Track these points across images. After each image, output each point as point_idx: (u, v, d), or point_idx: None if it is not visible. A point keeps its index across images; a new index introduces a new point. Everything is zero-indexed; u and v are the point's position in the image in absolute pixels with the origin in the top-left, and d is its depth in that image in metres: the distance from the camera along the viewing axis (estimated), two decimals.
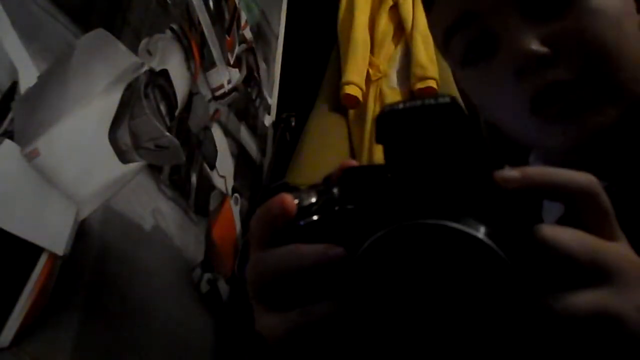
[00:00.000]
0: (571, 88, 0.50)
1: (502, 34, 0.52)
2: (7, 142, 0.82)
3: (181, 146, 1.21)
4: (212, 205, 1.36)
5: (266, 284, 0.33)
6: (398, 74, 1.69)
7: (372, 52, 1.71)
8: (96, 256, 0.97)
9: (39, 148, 0.87)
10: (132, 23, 1.13)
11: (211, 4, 1.44)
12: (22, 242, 0.81)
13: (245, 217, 1.48)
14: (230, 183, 1.46)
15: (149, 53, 1.16)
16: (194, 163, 1.30)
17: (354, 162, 0.34)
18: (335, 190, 0.33)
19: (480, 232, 0.28)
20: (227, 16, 1.54)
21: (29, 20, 0.88)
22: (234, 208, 1.45)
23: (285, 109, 1.79)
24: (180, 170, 1.24)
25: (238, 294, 1.36)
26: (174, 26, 1.27)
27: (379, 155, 1.60)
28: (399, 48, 1.72)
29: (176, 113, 1.23)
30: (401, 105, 0.31)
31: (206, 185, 1.35)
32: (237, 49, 1.58)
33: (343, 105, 1.66)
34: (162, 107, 1.17)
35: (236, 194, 1.47)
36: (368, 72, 1.68)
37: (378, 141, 0.31)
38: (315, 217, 0.32)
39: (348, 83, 1.63)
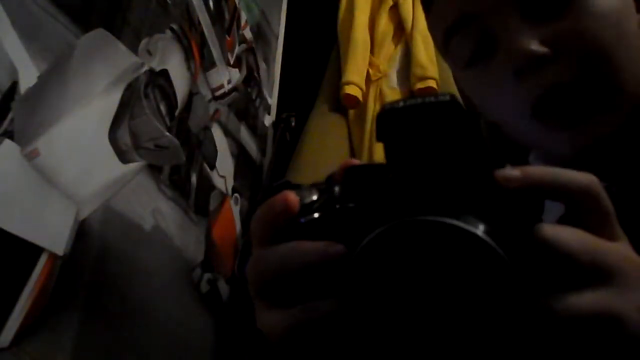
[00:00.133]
0: (572, 92, 0.50)
1: (502, 35, 0.52)
2: (7, 142, 0.82)
3: (181, 146, 1.21)
4: (212, 205, 1.36)
5: (268, 281, 0.33)
6: (398, 74, 1.69)
7: (372, 52, 1.71)
8: (96, 256, 0.97)
9: (39, 148, 0.87)
10: (132, 23, 1.13)
11: (211, 4, 1.44)
12: (22, 242, 0.81)
13: (245, 217, 1.48)
14: (230, 183, 1.46)
15: (149, 53, 1.16)
16: (194, 163, 1.30)
17: (356, 161, 0.34)
18: (336, 189, 0.33)
19: (480, 230, 0.28)
20: (227, 16, 1.54)
21: (29, 20, 0.88)
22: (234, 208, 1.45)
23: (285, 109, 1.79)
24: (180, 170, 1.24)
25: (238, 294, 1.36)
26: (174, 26, 1.27)
27: (379, 155, 1.60)
28: (399, 48, 1.72)
29: (176, 113, 1.22)
30: (401, 104, 0.31)
31: (206, 185, 1.35)
32: (237, 49, 1.58)
33: (343, 105, 1.66)
34: (162, 107, 1.17)
35: (236, 194, 1.47)
36: (368, 72, 1.68)
37: (379, 139, 0.31)
38: (316, 215, 0.32)
39: (348, 83, 1.63)
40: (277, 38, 1.94)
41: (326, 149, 1.58)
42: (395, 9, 1.75)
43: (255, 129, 1.67)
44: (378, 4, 1.78)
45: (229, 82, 1.50)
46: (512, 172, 0.31)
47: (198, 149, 1.32)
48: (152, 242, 1.12)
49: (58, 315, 0.87)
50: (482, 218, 0.29)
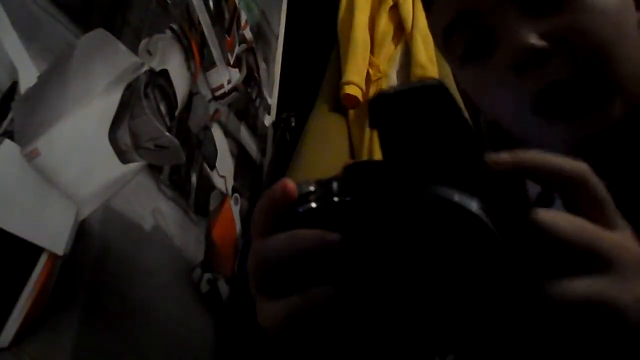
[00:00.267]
0: (572, 87, 0.50)
1: (501, 30, 0.52)
2: (7, 142, 0.82)
3: (181, 146, 1.21)
4: (212, 205, 1.36)
5: (267, 271, 0.33)
6: (398, 74, 1.69)
7: (372, 52, 1.71)
8: (96, 256, 0.97)
9: (39, 148, 0.87)
10: (132, 23, 1.13)
11: (211, 4, 1.44)
12: (22, 242, 0.81)
13: (245, 217, 1.48)
14: (230, 183, 1.46)
15: (149, 53, 1.16)
16: (194, 163, 1.30)
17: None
18: (334, 184, 0.34)
19: (474, 207, 0.29)
20: (227, 16, 1.54)
21: (29, 20, 0.88)
22: (234, 208, 1.45)
23: (285, 109, 1.79)
24: (180, 170, 1.24)
25: (238, 294, 1.36)
26: (174, 26, 1.27)
27: (378, 155, 1.60)
28: (399, 48, 1.72)
29: (176, 113, 1.23)
30: (392, 90, 0.32)
31: (206, 185, 1.35)
32: (237, 49, 1.58)
33: (343, 105, 1.66)
34: (162, 107, 1.17)
35: (236, 194, 1.47)
36: (368, 72, 1.68)
37: (371, 126, 0.32)
38: (313, 205, 0.33)
39: (348, 83, 1.63)
40: (277, 38, 1.94)
41: (326, 149, 1.58)
42: (395, 9, 1.75)
43: (255, 129, 1.67)
44: (378, 4, 1.78)
45: (229, 82, 1.50)
46: (502, 155, 0.31)
47: (198, 149, 1.32)
48: (152, 242, 1.12)
49: (58, 315, 0.87)
50: (476, 196, 0.30)
